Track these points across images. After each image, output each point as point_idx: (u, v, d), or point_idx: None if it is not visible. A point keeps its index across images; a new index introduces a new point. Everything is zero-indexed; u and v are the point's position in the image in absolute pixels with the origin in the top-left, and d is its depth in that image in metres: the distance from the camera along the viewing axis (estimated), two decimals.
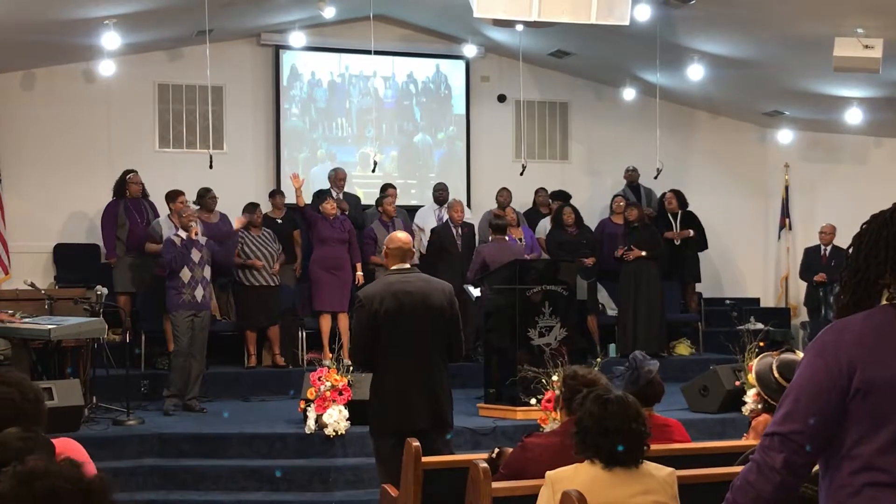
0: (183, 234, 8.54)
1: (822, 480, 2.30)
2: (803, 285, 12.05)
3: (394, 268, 5.43)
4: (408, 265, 5.45)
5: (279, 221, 10.56)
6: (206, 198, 10.14)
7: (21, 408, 3.08)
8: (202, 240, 8.68)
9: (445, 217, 10.76)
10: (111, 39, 9.63)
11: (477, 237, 10.61)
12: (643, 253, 10.56)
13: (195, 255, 8.48)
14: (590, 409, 3.31)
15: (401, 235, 5.61)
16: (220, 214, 10.32)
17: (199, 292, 8.46)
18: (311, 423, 7.41)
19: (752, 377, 8.07)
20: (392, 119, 12.42)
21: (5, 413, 3.04)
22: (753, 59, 10.61)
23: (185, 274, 8.40)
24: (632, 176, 12.12)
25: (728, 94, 12.34)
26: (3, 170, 10.66)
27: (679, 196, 11.53)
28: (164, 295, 8.62)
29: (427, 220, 10.99)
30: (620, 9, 8.08)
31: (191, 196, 9.91)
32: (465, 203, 11.35)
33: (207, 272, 8.60)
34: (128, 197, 10.05)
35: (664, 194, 11.71)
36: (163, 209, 10.01)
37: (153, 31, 10.55)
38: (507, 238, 9.55)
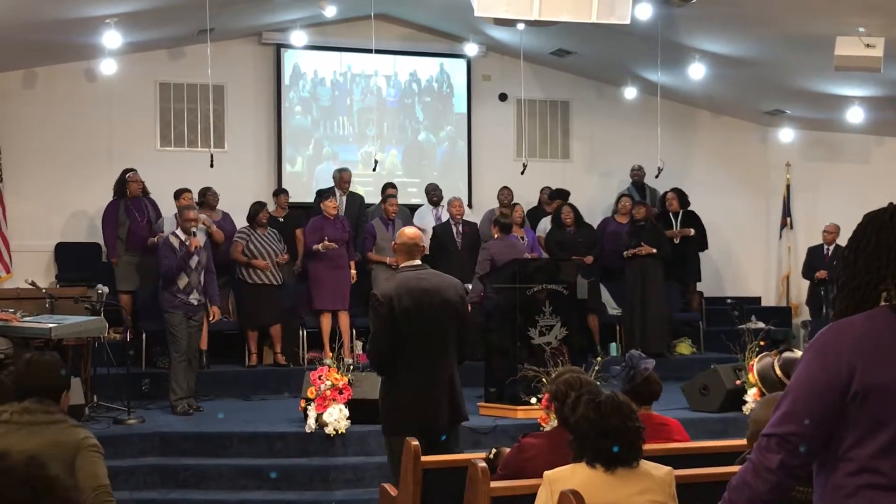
0: (182, 235, 8.48)
1: (816, 480, 2.30)
2: (804, 284, 12.04)
3: (404, 264, 5.35)
4: (418, 261, 5.36)
5: (281, 220, 10.57)
6: (206, 195, 10.18)
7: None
8: (201, 241, 8.63)
9: (443, 217, 10.77)
10: (112, 38, 9.63)
11: (481, 236, 10.60)
12: (654, 250, 10.54)
13: (192, 261, 8.42)
14: (584, 413, 3.28)
15: (409, 231, 5.48)
16: (222, 213, 10.34)
17: (193, 297, 8.42)
18: (311, 422, 7.41)
19: (752, 377, 8.13)
20: (394, 118, 12.42)
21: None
22: (755, 58, 10.60)
23: (182, 280, 8.36)
24: (638, 175, 12.09)
25: (729, 92, 12.33)
26: (4, 169, 10.66)
27: (680, 195, 11.51)
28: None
29: (426, 219, 10.99)
30: (621, 8, 8.07)
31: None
32: (465, 201, 11.33)
33: (202, 278, 8.54)
34: (128, 196, 10.04)
35: (665, 194, 11.70)
36: (164, 208, 10.02)
37: (154, 29, 10.55)
38: (511, 237, 9.55)
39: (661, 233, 10.89)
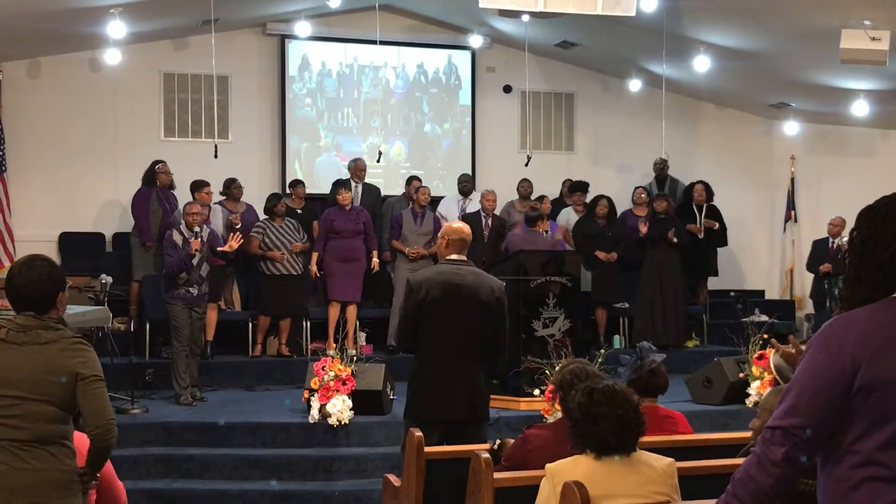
0: (186, 231, 8.48)
1: (820, 473, 2.30)
2: (808, 278, 12.01)
3: (448, 257, 5.34)
4: (464, 257, 5.35)
5: (299, 212, 10.54)
6: (231, 187, 10.20)
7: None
8: (204, 235, 8.62)
9: (469, 208, 10.74)
10: (117, 28, 9.62)
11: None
12: (675, 239, 10.45)
13: (193, 259, 8.42)
14: (578, 400, 3.33)
15: (458, 226, 5.48)
16: (245, 204, 10.34)
17: (194, 289, 8.42)
18: (314, 413, 7.42)
19: (756, 370, 8.14)
20: (399, 109, 12.40)
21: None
22: (760, 51, 10.57)
23: (182, 276, 8.38)
24: (661, 168, 12.01)
25: (734, 85, 12.30)
26: (8, 158, 10.67)
27: (707, 188, 11.47)
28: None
29: (451, 210, 10.95)
30: (626, 0, 8.06)
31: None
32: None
33: (205, 270, 8.54)
34: (157, 186, 10.06)
35: (692, 185, 11.63)
36: (183, 200, 9.99)
37: (159, 20, 10.55)
38: (539, 231, 9.53)
39: (679, 226, 10.82)
